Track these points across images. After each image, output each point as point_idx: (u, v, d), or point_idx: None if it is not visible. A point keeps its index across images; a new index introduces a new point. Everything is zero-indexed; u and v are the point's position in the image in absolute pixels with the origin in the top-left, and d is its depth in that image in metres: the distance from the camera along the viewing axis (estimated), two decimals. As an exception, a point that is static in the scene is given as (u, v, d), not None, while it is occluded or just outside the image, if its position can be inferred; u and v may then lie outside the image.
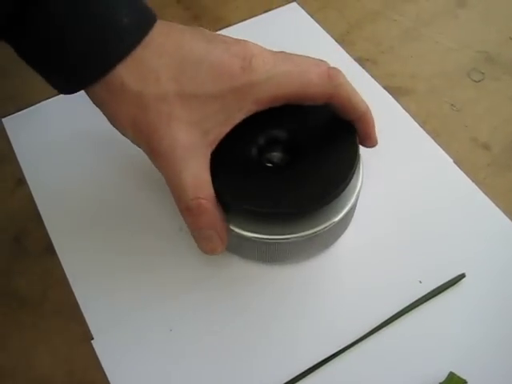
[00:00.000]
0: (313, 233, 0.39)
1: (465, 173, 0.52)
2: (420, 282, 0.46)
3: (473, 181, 0.51)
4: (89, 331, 0.43)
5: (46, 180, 0.51)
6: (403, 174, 0.52)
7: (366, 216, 0.48)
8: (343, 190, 0.39)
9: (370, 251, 0.47)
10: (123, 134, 0.38)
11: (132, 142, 0.38)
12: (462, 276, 0.46)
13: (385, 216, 0.49)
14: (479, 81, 0.60)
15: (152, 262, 0.46)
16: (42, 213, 0.50)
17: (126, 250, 0.47)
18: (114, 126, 0.38)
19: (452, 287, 0.46)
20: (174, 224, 0.48)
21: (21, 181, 0.52)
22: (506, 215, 0.49)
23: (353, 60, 0.61)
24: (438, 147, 0.54)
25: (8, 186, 0.52)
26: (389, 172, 0.52)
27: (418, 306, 0.45)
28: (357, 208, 0.45)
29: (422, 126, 0.55)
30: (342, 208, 0.41)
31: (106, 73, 0.34)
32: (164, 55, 0.35)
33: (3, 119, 0.56)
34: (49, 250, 0.48)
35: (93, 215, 0.49)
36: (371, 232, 0.48)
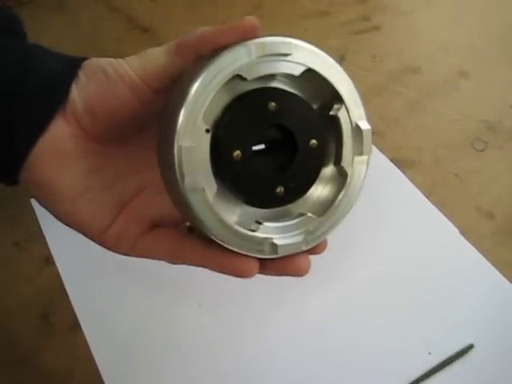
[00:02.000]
0: None
1: (470, 242, 0.54)
2: (429, 353, 0.48)
3: (478, 250, 0.53)
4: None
5: (73, 259, 0.54)
6: (410, 245, 0.54)
7: (376, 287, 0.51)
8: None
9: (381, 322, 0.49)
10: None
11: None
12: (471, 347, 0.48)
13: (394, 287, 0.51)
14: (482, 150, 0.63)
15: (174, 339, 0.49)
16: (68, 290, 0.52)
17: (148, 326, 0.50)
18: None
19: (461, 357, 0.47)
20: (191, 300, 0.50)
21: (48, 259, 0.55)
22: (512, 283, 0.51)
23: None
24: (444, 218, 0.56)
25: (37, 265, 0.55)
26: (396, 244, 0.54)
27: (427, 377, 0.46)
28: (367, 279, 0.47)
29: (427, 197, 0.58)
30: None
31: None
32: None
33: (32, 199, 0.60)
34: (74, 326, 0.50)
35: (118, 292, 0.52)
36: (382, 304, 0.50)
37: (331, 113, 0.30)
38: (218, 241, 0.29)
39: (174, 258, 0.32)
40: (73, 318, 0.51)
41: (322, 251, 0.32)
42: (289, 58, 0.28)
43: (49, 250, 0.55)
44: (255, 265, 0.29)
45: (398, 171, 0.60)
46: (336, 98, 0.30)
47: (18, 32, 0.34)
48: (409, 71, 0.72)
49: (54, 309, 0.52)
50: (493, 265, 0.52)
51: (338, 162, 0.31)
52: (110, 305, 0.52)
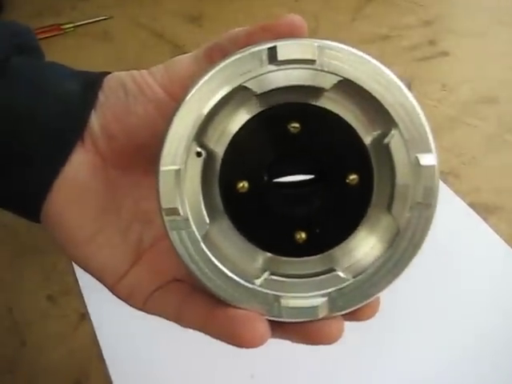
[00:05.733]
0: None
1: None
2: None
3: None
4: None
5: (111, 315, 0.49)
6: (493, 304, 0.48)
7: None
8: None
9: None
10: None
11: None
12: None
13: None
14: None
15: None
16: (104, 353, 0.47)
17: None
18: None
19: None
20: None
21: (84, 316, 0.50)
22: None
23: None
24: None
25: (71, 322, 0.50)
26: (475, 302, 0.48)
27: None
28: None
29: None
30: None
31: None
32: None
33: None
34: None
35: (158, 356, 0.47)
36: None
37: (385, 141, 0.24)
38: (212, 292, 0.24)
39: (179, 320, 0.27)
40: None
41: (368, 318, 0.25)
42: (314, 65, 0.23)
43: (85, 304, 0.51)
44: (263, 330, 0.24)
45: (478, 217, 0.53)
46: (390, 121, 0.23)
47: (35, 49, 0.31)
48: (484, 102, 0.65)
49: (87, 374, 0.47)
50: None
51: (389, 209, 0.24)
52: (149, 370, 0.46)
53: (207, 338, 0.41)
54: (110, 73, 0.28)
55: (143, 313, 0.48)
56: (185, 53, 0.28)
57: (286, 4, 0.86)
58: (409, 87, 0.24)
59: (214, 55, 0.26)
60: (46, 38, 0.82)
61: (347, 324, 0.25)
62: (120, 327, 0.49)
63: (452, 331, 0.46)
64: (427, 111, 0.61)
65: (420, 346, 0.46)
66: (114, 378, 0.46)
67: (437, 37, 0.75)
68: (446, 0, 0.83)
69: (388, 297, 0.25)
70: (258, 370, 0.45)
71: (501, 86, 0.67)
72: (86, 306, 0.50)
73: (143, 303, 0.28)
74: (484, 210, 0.54)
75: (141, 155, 0.27)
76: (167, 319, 0.28)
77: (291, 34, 0.24)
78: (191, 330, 0.27)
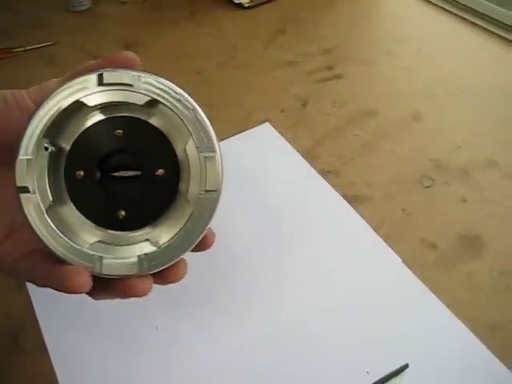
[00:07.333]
0: None
1: (412, 271, 0.58)
2: (367, 372, 0.51)
3: (419, 277, 0.57)
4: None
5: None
6: (355, 272, 0.59)
7: (319, 310, 0.55)
8: None
9: (324, 341, 0.53)
10: None
11: None
12: (406, 366, 0.51)
13: (337, 312, 0.55)
14: (429, 186, 0.68)
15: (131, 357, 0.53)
16: (38, 315, 0.57)
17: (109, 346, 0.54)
18: None
19: (396, 377, 0.51)
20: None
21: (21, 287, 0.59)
22: (449, 309, 0.55)
23: (316, 172, 0.69)
24: (389, 248, 0.60)
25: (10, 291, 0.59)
26: (342, 271, 0.59)
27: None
28: (309, 302, 0.51)
29: (375, 230, 0.62)
30: None
31: None
32: None
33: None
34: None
35: (84, 316, 0.56)
36: (327, 328, 0.54)
37: (186, 146, 0.31)
38: (50, 250, 0.31)
39: (33, 280, 0.33)
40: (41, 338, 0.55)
41: (177, 280, 0.33)
42: (132, 88, 0.31)
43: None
44: (87, 280, 0.30)
45: (349, 206, 0.65)
46: (187, 131, 0.31)
47: None
48: (366, 115, 0.78)
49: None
50: (431, 291, 0.56)
51: (185, 195, 0.32)
52: (76, 327, 0.56)
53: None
54: None
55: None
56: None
57: (213, 35, 0.98)
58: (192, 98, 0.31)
59: (71, 78, 0.32)
60: (-2, 59, 0.92)
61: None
62: (52, 294, 0.58)
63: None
64: (320, 123, 0.75)
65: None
66: (45, 334, 0.56)
67: (334, 63, 0.88)
68: (344, 33, 0.96)
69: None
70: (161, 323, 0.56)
71: (381, 103, 0.80)
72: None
73: (10, 270, 0.34)
74: (355, 200, 0.66)
75: (15, 153, 0.31)
76: (27, 281, 0.34)
77: (126, 64, 0.31)
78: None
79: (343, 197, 0.66)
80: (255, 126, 0.76)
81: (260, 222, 0.64)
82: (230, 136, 0.75)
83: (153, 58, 0.91)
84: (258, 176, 0.69)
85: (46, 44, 0.97)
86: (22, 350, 0.55)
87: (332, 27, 0.98)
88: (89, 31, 1.01)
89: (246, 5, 1.03)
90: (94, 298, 0.33)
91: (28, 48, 0.96)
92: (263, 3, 1.05)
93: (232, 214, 0.63)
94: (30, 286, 0.59)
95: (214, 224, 0.32)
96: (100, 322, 0.56)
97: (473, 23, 0.97)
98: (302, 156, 0.71)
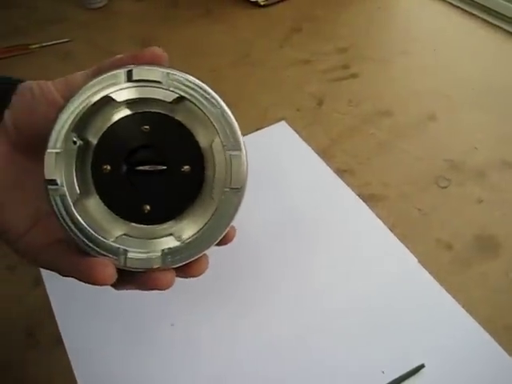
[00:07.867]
0: None
1: (428, 271, 0.58)
2: (383, 372, 0.51)
3: (435, 277, 0.57)
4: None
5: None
6: (372, 272, 0.59)
7: (335, 312, 0.55)
8: None
9: (340, 340, 0.53)
10: None
11: None
12: (422, 366, 0.51)
13: (353, 312, 0.55)
14: (445, 187, 0.67)
15: (146, 353, 0.53)
16: (54, 309, 0.57)
17: (124, 341, 0.54)
18: None
19: (412, 377, 0.51)
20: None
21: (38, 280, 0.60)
22: (465, 309, 0.55)
23: (332, 171, 0.69)
24: (405, 248, 0.60)
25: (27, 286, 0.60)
26: (359, 272, 0.59)
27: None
28: (329, 308, 0.51)
29: (391, 230, 0.62)
30: None
31: None
32: None
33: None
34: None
35: (102, 312, 0.57)
36: (343, 325, 0.55)
37: (213, 143, 0.31)
38: (78, 244, 0.31)
39: (59, 271, 0.33)
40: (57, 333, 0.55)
41: (198, 275, 0.33)
42: (160, 84, 0.31)
43: (39, 271, 0.61)
44: (111, 272, 0.31)
45: (364, 205, 0.65)
46: (214, 129, 0.31)
47: None
48: (382, 115, 0.78)
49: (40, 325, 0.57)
50: (447, 291, 0.56)
51: (211, 193, 0.32)
52: (92, 322, 0.57)
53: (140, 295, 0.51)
54: (24, 81, 0.34)
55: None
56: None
57: (228, 32, 0.98)
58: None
59: (99, 73, 0.31)
60: (14, 55, 0.92)
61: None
62: (68, 289, 0.59)
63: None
64: (335, 122, 0.75)
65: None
66: (61, 328, 0.56)
67: (350, 62, 0.88)
68: (360, 32, 0.96)
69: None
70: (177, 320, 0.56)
71: (397, 102, 0.80)
72: (40, 273, 0.61)
73: (35, 259, 0.34)
74: (371, 199, 0.66)
75: (42, 144, 0.31)
76: (52, 271, 0.33)
77: (153, 61, 0.31)
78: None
79: (359, 196, 0.66)
80: (271, 124, 0.77)
81: (275, 221, 0.64)
82: (246, 134, 0.74)
83: (168, 56, 0.91)
84: (273, 174, 0.69)
85: (62, 41, 0.98)
86: (38, 346, 0.55)
87: (348, 26, 0.98)
88: (104, 28, 1.02)
89: (262, 3, 1.04)
90: (116, 288, 0.34)
91: (44, 44, 0.97)
92: (279, 1, 1.05)
93: (248, 211, 0.63)
94: (48, 282, 0.60)
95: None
96: (116, 319, 0.57)
97: (490, 23, 0.97)
98: (318, 155, 0.71)
